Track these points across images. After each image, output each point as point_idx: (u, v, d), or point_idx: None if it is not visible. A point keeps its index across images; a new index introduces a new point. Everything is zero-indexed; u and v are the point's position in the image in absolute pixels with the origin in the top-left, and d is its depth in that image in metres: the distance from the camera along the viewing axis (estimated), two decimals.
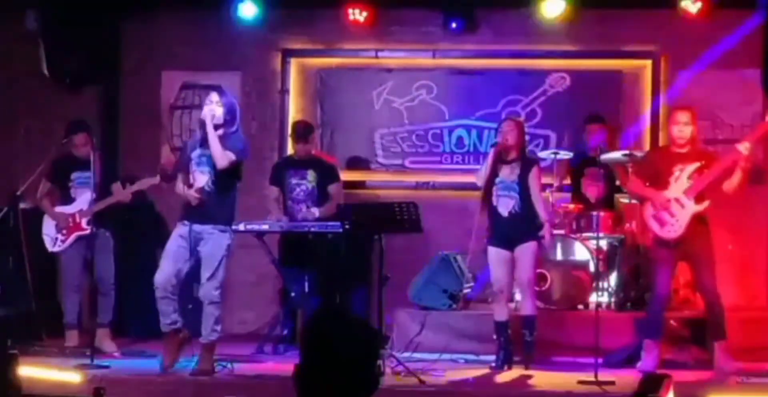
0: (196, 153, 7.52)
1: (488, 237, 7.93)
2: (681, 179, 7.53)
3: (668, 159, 7.64)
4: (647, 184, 7.72)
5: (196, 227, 7.40)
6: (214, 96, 7.55)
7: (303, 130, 8.89)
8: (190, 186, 7.50)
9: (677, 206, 7.50)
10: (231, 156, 7.39)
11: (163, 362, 7.48)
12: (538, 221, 7.86)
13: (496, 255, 7.86)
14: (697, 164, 7.52)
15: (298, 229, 8.48)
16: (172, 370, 7.45)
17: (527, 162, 7.95)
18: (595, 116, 9.44)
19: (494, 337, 7.86)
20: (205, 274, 7.40)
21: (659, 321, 7.70)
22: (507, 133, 7.87)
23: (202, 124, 7.51)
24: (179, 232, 7.47)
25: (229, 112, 7.49)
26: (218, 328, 7.43)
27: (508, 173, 7.87)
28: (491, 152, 7.93)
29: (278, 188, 8.87)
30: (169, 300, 7.40)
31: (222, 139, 7.39)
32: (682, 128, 7.58)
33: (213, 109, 7.43)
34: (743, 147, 7.37)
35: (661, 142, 9.76)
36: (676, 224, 7.50)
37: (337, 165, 9.23)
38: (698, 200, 7.48)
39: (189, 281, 9.69)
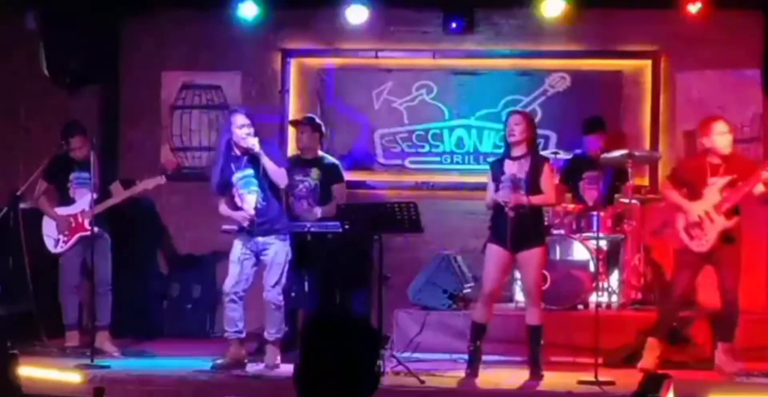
0: (237, 176, 7.70)
1: (490, 233, 7.52)
2: (713, 192, 7.48)
3: (704, 170, 7.54)
4: (682, 192, 7.66)
5: (259, 239, 7.70)
6: (240, 118, 7.70)
7: (310, 118, 9.09)
8: (237, 208, 7.72)
9: (708, 220, 7.48)
10: (282, 170, 7.70)
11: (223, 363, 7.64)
12: (544, 223, 7.67)
13: (495, 253, 7.37)
14: (729, 178, 7.46)
15: (297, 229, 8.47)
16: (174, 371, 7.49)
17: (537, 159, 7.44)
18: (593, 124, 9.32)
19: (468, 339, 7.53)
20: (270, 280, 7.74)
21: (669, 322, 7.69)
22: (513, 128, 7.37)
23: (228, 144, 7.70)
24: (242, 242, 7.73)
25: (256, 130, 7.73)
26: (284, 327, 7.84)
27: (516, 170, 7.34)
28: (489, 175, 7.53)
29: None
30: (237, 306, 7.74)
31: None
32: (729, 138, 7.49)
33: (251, 139, 7.58)
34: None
35: (661, 142, 9.75)
36: (704, 239, 7.49)
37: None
38: (728, 215, 7.46)
39: (189, 283, 9.76)
